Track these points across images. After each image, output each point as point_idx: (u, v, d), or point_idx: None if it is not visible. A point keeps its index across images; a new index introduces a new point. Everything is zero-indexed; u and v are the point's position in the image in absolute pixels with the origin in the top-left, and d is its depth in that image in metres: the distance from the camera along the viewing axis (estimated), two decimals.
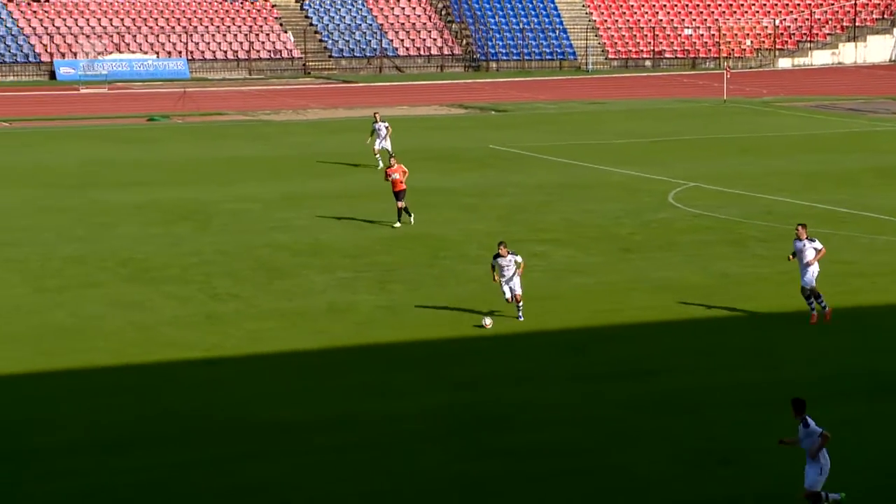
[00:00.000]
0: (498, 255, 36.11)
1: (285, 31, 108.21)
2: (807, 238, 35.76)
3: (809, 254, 35.52)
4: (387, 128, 61.54)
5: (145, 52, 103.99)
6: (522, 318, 36.13)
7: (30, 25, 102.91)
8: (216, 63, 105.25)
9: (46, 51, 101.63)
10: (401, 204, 48.53)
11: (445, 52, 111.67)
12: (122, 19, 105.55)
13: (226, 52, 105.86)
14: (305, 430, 28.97)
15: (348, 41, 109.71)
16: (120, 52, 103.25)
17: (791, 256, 36.34)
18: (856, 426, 27.93)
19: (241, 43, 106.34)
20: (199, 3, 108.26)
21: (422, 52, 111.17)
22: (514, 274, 35.87)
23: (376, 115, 63.46)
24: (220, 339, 35.46)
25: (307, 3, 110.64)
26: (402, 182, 48.56)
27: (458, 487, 25.92)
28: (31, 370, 32.99)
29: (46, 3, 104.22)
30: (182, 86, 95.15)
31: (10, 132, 75.14)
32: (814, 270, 35.64)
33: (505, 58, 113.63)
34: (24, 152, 67.61)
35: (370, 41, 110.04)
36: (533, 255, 44.85)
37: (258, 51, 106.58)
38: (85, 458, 27.54)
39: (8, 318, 37.23)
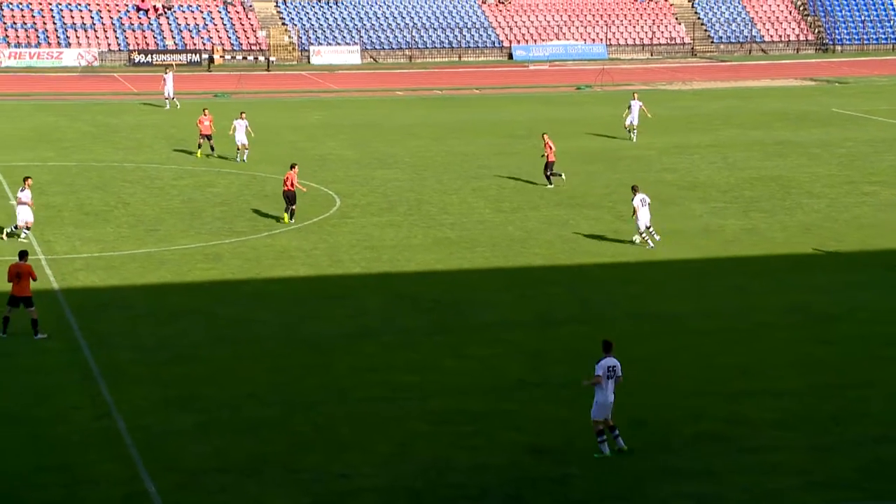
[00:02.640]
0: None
1: (679, 23, 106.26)
2: None
3: None
4: (640, 107, 56.20)
5: (576, 40, 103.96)
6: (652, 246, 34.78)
7: (496, 20, 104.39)
8: (626, 47, 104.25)
9: (507, 38, 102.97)
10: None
11: (801, 38, 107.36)
12: (560, 15, 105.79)
13: (634, 39, 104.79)
14: (684, 319, 28.72)
15: (726, 30, 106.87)
16: (558, 39, 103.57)
17: None
18: None
19: (646, 32, 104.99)
20: (617, 3, 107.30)
21: (782, 39, 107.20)
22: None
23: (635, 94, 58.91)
24: (622, 249, 35.44)
25: (697, 2, 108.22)
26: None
27: (797, 365, 25.32)
28: (486, 267, 33.78)
29: (509, 4, 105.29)
30: (601, 64, 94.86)
31: (479, 97, 76.64)
32: None
33: (848, 42, 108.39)
34: (487, 111, 68.81)
35: (742, 30, 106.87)
36: (864, 193, 43.00)
37: (658, 38, 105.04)
38: (517, 330, 28.01)
39: (473, 229, 38.21)
